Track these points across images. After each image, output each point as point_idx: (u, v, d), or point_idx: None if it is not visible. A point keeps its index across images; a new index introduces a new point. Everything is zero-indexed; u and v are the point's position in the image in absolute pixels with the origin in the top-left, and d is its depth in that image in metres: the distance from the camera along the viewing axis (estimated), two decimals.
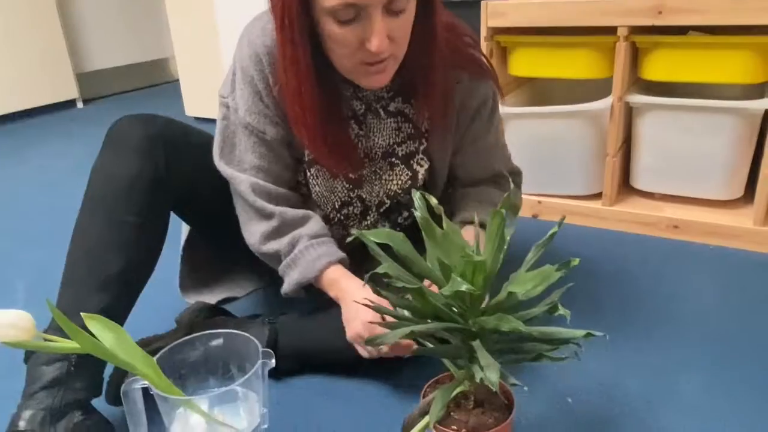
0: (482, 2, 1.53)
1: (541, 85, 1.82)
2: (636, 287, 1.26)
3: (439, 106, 0.97)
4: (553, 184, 1.62)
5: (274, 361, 0.79)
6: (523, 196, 1.59)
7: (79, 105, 3.32)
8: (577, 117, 1.52)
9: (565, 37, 1.49)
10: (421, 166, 1.03)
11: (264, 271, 1.17)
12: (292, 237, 0.96)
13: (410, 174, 1.03)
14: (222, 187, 1.01)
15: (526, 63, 1.59)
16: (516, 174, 1.17)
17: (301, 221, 0.98)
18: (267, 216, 0.97)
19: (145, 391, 0.76)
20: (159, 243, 0.98)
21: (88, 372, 0.85)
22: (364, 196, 1.03)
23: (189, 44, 2.70)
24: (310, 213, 1.00)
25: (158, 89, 3.72)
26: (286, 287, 0.97)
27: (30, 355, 0.84)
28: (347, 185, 1.02)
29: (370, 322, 0.83)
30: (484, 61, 1.01)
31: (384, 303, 0.73)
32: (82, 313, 0.69)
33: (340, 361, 0.99)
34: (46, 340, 0.68)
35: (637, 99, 1.46)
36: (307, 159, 0.99)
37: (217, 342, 0.86)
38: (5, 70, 2.95)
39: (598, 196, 1.57)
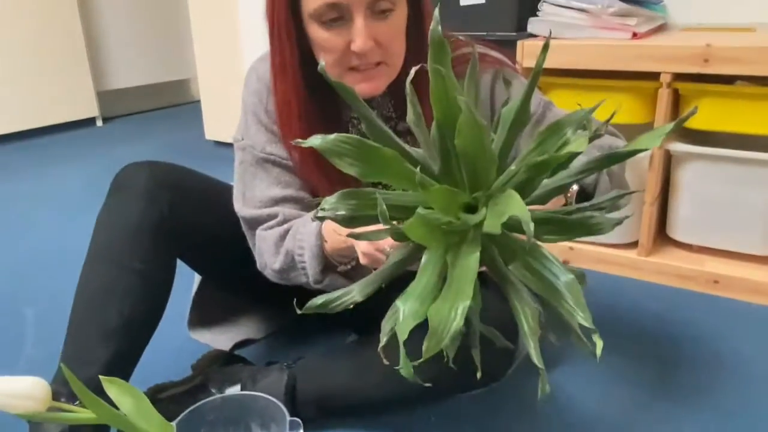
0: (518, 42, 1.49)
1: None
2: (674, 345, 1.19)
3: None
4: None
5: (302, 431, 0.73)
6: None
7: (99, 123, 3.31)
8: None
9: (604, 80, 1.44)
10: None
11: (280, 312, 1.11)
12: (293, 233, 0.89)
13: None
14: (231, 229, 0.97)
15: (561, 106, 1.54)
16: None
17: (299, 216, 0.91)
18: (273, 229, 0.91)
19: None
20: (165, 291, 0.94)
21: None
22: None
23: (212, 66, 2.70)
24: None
25: (179, 110, 3.71)
26: (312, 276, 0.88)
27: None
28: None
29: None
30: (484, 51, 0.93)
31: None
32: (101, 377, 0.63)
33: (365, 404, 0.93)
34: (59, 409, 0.63)
35: (679, 147, 1.40)
36: None
37: (237, 400, 0.81)
38: (26, 86, 2.94)
39: (633, 245, 1.51)
